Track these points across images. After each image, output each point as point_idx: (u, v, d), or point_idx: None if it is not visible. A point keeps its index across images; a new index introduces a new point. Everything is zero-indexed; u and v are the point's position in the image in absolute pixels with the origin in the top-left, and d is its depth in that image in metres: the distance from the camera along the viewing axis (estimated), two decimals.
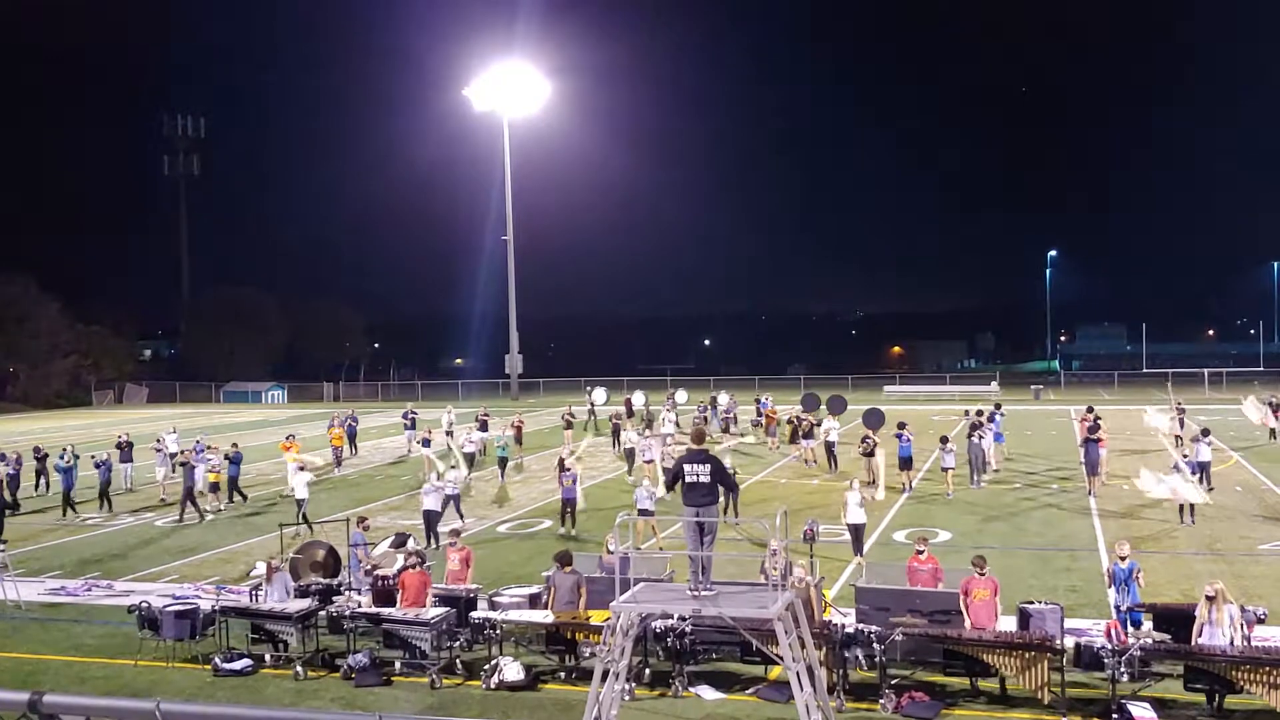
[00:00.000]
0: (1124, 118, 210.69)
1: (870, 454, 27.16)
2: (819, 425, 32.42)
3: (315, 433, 43.55)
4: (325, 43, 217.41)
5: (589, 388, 50.35)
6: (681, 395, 47.50)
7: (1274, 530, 21.47)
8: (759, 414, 41.93)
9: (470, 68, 67.98)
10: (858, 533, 19.52)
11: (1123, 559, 14.10)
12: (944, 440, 26.81)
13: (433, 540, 21.47)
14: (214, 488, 26.99)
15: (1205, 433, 26.56)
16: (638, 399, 45.09)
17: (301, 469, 25.13)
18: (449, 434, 37.61)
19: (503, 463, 31.19)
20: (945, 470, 26.30)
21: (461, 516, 23.35)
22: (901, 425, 28.28)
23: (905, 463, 27.19)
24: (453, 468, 24.15)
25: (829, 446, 31.08)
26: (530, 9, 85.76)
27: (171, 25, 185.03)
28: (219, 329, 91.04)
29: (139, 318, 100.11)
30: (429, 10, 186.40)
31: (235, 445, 29.25)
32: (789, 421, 35.98)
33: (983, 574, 13.61)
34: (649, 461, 27.87)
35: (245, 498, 28.16)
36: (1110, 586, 14.34)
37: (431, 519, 22.02)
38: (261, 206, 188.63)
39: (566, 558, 14.94)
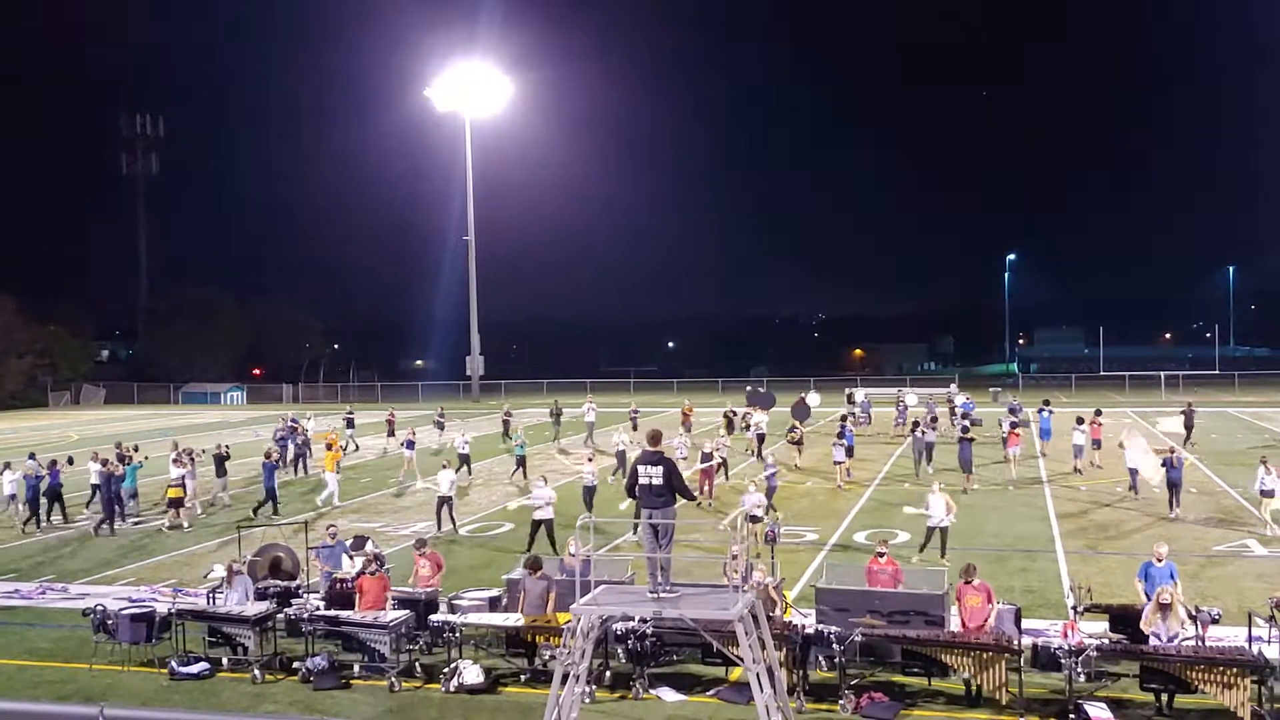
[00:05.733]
0: (1083, 122, 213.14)
1: (798, 443, 31.58)
2: (752, 419, 36.00)
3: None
4: (286, 42, 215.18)
5: (751, 388, 50.95)
6: (860, 395, 47.09)
7: (1228, 532, 21.75)
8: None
9: (432, 67, 67.82)
10: (942, 535, 19.50)
11: (1159, 560, 14.00)
12: (841, 434, 29.16)
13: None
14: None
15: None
16: (813, 398, 44.59)
17: (445, 466, 23.97)
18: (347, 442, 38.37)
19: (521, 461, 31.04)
20: (837, 464, 28.17)
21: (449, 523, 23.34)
22: (844, 419, 32.77)
23: (848, 451, 29.45)
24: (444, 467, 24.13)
25: (759, 438, 34.19)
26: (492, 7, 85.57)
27: (131, 23, 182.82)
28: (177, 330, 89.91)
29: (96, 318, 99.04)
30: (390, 10, 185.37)
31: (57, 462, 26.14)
32: (726, 415, 39.59)
33: (970, 582, 13.50)
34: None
35: (57, 519, 25.39)
36: (1142, 583, 13.99)
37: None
38: (221, 206, 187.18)
39: (537, 563, 14.78)
